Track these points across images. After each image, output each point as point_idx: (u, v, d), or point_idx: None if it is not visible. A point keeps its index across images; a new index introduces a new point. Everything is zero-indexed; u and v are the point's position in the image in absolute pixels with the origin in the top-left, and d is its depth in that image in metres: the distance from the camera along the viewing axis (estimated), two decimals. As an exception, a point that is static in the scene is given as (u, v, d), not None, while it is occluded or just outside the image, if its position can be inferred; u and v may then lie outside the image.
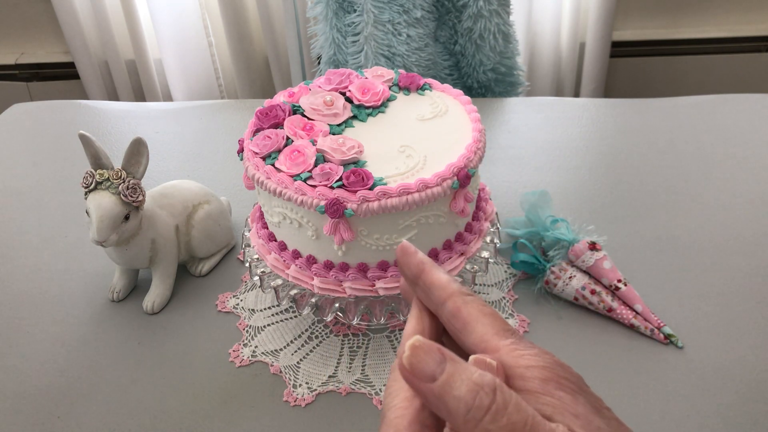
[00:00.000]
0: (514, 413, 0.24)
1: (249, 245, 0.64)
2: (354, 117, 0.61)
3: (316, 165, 0.54)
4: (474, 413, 0.24)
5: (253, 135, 0.59)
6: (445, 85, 0.66)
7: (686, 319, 0.66)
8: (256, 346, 0.65)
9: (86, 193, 0.63)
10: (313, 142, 0.56)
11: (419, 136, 0.58)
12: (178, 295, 0.72)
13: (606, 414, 0.27)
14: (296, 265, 0.58)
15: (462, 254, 0.59)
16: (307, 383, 0.62)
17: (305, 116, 0.60)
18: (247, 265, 0.63)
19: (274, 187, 0.54)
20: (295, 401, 0.60)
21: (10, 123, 1.07)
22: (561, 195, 0.83)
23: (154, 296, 0.70)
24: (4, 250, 0.80)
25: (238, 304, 0.70)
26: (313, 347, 0.65)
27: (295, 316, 0.68)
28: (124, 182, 0.63)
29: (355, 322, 0.60)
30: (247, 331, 0.67)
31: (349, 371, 0.62)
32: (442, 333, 0.31)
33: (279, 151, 0.56)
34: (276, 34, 1.69)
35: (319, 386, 0.61)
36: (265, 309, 0.69)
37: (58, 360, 0.65)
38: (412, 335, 0.27)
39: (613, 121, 0.98)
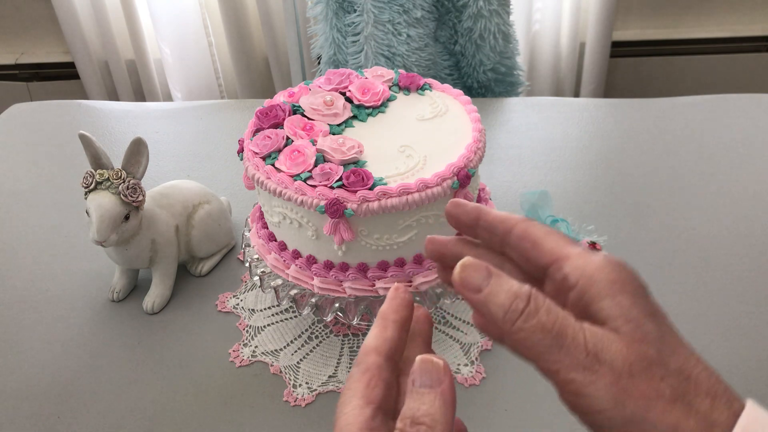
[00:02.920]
0: (544, 315, 0.28)
1: (249, 245, 0.64)
2: (354, 117, 0.61)
3: (316, 165, 0.54)
4: (510, 315, 0.29)
5: (253, 135, 0.59)
6: (445, 85, 0.66)
7: (686, 319, 0.66)
8: (256, 346, 0.65)
9: (86, 193, 0.63)
10: (313, 142, 0.56)
11: (419, 136, 0.58)
12: (178, 295, 0.72)
13: (660, 320, 0.29)
14: (296, 265, 0.58)
15: (462, 254, 0.59)
16: (307, 383, 0.62)
17: (305, 116, 0.60)
18: (247, 265, 0.63)
19: (274, 187, 0.54)
20: (295, 401, 0.60)
21: (10, 123, 1.07)
22: (561, 195, 0.83)
23: (154, 296, 0.70)
24: (4, 250, 0.80)
25: (238, 304, 0.70)
26: (313, 347, 0.65)
27: (295, 316, 0.68)
28: (124, 182, 0.63)
29: (355, 322, 0.60)
30: (247, 331, 0.67)
31: (349, 371, 0.62)
32: (401, 351, 0.32)
33: (279, 151, 0.56)
34: (276, 34, 1.69)
35: (319, 386, 0.61)
36: (265, 309, 0.69)
37: (58, 360, 0.65)
38: (373, 346, 0.31)
39: (613, 121, 0.98)
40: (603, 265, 0.30)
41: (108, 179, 0.63)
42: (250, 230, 0.65)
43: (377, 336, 0.31)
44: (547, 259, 0.31)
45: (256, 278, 0.62)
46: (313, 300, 0.59)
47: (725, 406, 0.27)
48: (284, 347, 0.65)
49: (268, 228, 0.61)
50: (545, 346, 0.28)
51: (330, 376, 0.62)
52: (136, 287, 0.73)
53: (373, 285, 0.56)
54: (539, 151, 0.92)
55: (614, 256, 0.30)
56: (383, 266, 0.56)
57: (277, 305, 0.69)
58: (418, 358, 0.29)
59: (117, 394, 0.62)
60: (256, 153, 0.56)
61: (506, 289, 0.29)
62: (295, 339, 0.66)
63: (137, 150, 0.65)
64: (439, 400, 0.28)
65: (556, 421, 0.57)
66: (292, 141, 0.57)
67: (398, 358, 0.32)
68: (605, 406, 0.27)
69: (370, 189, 0.52)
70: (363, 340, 0.65)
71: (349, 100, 0.62)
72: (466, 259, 0.30)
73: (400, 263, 0.56)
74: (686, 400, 0.27)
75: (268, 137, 0.57)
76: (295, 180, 0.53)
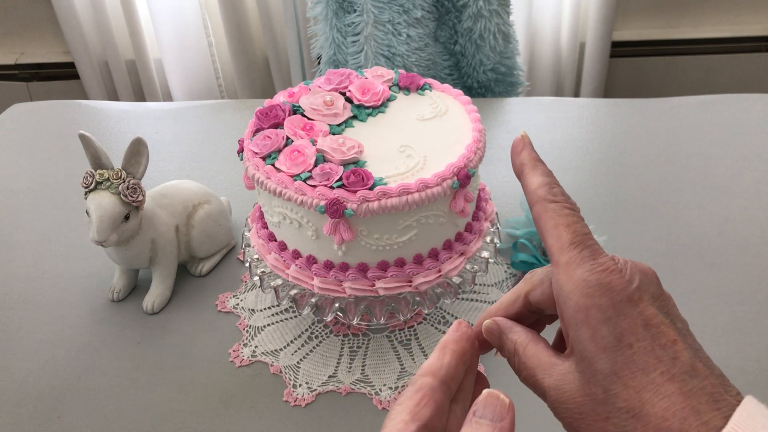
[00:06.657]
0: (523, 370, 0.32)
1: (249, 245, 0.64)
2: (354, 117, 0.61)
3: (316, 165, 0.54)
4: (513, 370, 0.33)
5: (253, 135, 0.59)
6: (445, 85, 0.66)
7: (686, 319, 0.65)
8: (256, 346, 0.65)
9: (86, 193, 0.63)
10: (313, 142, 0.56)
11: (419, 136, 0.58)
12: (178, 295, 0.72)
13: (623, 349, 0.28)
14: (296, 265, 0.58)
15: (462, 254, 0.59)
16: (307, 383, 0.62)
17: (305, 116, 0.60)
18: (247, 265, 0.63)
19: (274, 187, 0.54)
20: (295, 401, 0.60)
21: (10, 123, 1.07)
22: (561, 195, 0.83)
23: (154, 296, 0.70)
24: (4, 250, 0.80)
25: (238, 304, 0.70)
26: (313, 347, 0.65)
27: (295, 316, 0.68)
28: (124, 182, 0.63)
29: (355, 322, 0.60)
30: (247, 331, 0.67)
31: (349, 371, 0.62)
32: (458, 380, 0.33)
33: (279, 151, 0.56)
34: (276, 34, 1.69)
35: (319, 386, 0.61)
36: (265, 309, 0.69)
37: (58, 360, 0.65)
38: (430, 369, 0.31)
39: (613, 121, 0.98)
40: (576, 287, 0.29)
41: (108, 179, 0.63)
42: (250, 230, 0.65)
43: (435, 360, 0.32)
44: (549, 254, 0.32)
45: (256, 278, 0.62)
46: (313, 300, 0.59)
47: None
48: (284, 347, 0.65)
49: (268, 228, 0.61)
50: (534, 391, 0.32)
51: (330, 376, 0.62)
52: (136, 287, 0.73)
53: (373, 285, 0.56)
54: (539, 151, 0.91)
55: (597, 271, 0.29)
56: (383, 266, 0.56)
57: (277, 305, 0.69)
58: (486, 391, 0.29)
59: (117, 393, 0.62)
60: (256, 153, 0.56)
61: (506, 348, 0.34)
62: (295, 339, 0.66)
63: (137, 150, 0.65)
64: None
65: (557, 421, 0.57)
66: (292, 141, 0.57)
67: (454, 385, 0.32)
68: None
69: (370, 189, 0.52)
70: (363, 339, 0.65)
71: (349, 100, 0.62)
72: (485, 324, 0.35)
73: (400, 263, 0.56)
74: None
75: (268, 137, 0.57)
76: (295, 180, 0.53)
